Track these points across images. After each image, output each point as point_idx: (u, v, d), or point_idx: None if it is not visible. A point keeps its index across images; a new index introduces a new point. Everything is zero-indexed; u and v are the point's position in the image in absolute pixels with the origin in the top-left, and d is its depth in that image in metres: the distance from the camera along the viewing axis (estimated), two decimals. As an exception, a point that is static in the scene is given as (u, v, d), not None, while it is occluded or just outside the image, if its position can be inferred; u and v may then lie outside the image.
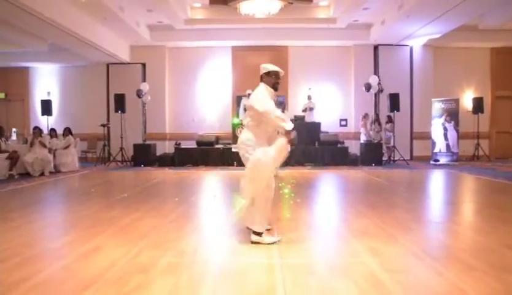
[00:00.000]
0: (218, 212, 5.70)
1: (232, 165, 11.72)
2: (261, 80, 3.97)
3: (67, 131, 11.30)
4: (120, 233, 4.21)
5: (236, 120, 12.33)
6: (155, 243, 3.84)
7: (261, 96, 3.83)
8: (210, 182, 9.16)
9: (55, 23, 9.30)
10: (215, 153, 12.18)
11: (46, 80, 14.64)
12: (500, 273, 2.95)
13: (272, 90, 3.92)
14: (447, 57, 13.90)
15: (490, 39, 13.42)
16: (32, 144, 10.09)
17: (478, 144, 13.07)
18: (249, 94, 12.52)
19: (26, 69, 14.64)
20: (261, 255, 3.43)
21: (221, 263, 3.35)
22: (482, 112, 13.15)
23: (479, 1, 9.31)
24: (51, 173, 10.17)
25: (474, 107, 13.23)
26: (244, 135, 3.90)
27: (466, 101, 13.87)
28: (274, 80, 3.95)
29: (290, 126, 3.66)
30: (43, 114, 13.19)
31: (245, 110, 12.05)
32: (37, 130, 10.36)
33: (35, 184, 8.51)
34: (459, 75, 14.01)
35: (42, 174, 9.92)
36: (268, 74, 3.94)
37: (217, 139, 12.94)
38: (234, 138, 11.85)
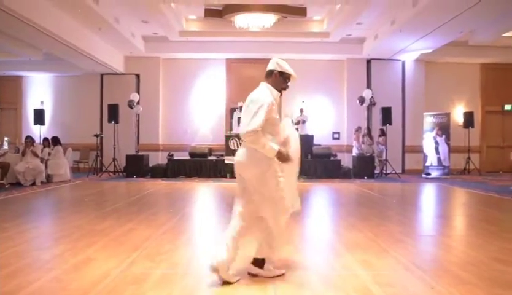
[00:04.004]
0: (212, 224, 5.69)
1: (225, 176, 11.72)
2: (266, 78, 3.29)
3: (55, 141, 11.20)
4: (113, 245, 4.19)
5: (229, 132, 12.35)
6: (148, 254, 3.82)
7: (258, 107, 3.06)
8: (203, 193, 9.14)
9: (50, 33, 9.32)
10: (208, 165, 12.17)
11: (39, 89, 14.59)
12: (490, 286, 2.98)
13: (277, 94, 3.25)
14: (438, 72, 14.11)
15: (480, 54, 13.67)
16: (24, 153, 10.02)
17: (469, 158, 13.21)
18: (241, 107, 12.67)
19: (20, 77, 14.61)
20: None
21: (214, 276, 3.33)
22: (472, 126, 13.32)
23: (469, 18, 9.51)
24: (42, 182, 10.09)
25: (464, 122, 13.40)
26: (241, 150, 3.24)
27: (457, 115, 14.05)
28: (284, 84, 3.30)
29: (274, 148, 3.03)
30: (35, 123, 13.14)
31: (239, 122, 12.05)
32: (29, 139, 10.28)
33: (27, 194, 8.43)
34: (450, 90, 14.22)
35: (33, 183, 9.83)
36: (282, 74, 3.26)
37: (210, 151, 12.95)
38: (228, 150, 11.88)
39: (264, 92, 3.19)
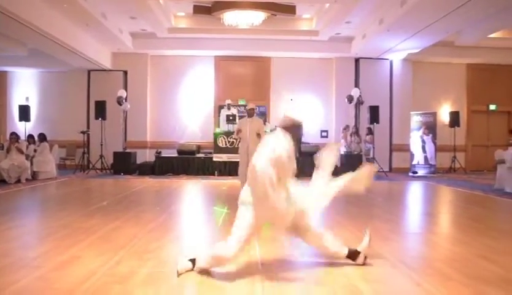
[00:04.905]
0: (199, 222, 5.67)
1: (213, 174, 11.69)
2: (283, 128, 3.29)
3: (42, 138, 11.06)
4: (99, 243, 4.15)
5: (217, 130, 12.31)
6: (135, 252, 3.79)
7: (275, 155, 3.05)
8: (191, 191, 9.11)
9: (36, 28, 9.15)
10: (196, 162, 12.12)
11: (24, 85, 14.33)
12: (476, 283, 3.03)
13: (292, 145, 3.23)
14: (425, 71, 14.24)
15: (466, 55, 13.83)
16: (8, 150, 9.85)
17: (455, 157, 13.39)
18: (229, 104, 12.68)
19: (4, 73, 14.33)
20: (242, 266, 3.42)
21: (201, 274, 3.32)
22: (458, 125, 13.50)
23: (456, 19, 9.61)
24: (27, 180, 9.94)
25: (450, 121, 13.57)
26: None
27: (443, 114, 14.21)
28: (299, 134, 3.39)
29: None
30: (20, 120, 12.91)
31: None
32: (14, 136, 10.13)
33: (11, 191, 8.30)
34: (437, 89, 14.37)
35: (18, 181, 9.68)
36: (294, 126, 3.29)
37: (198, 148, 12.88)
38: (216, 148, 11.83)
39: (280, 140, 3.20)
